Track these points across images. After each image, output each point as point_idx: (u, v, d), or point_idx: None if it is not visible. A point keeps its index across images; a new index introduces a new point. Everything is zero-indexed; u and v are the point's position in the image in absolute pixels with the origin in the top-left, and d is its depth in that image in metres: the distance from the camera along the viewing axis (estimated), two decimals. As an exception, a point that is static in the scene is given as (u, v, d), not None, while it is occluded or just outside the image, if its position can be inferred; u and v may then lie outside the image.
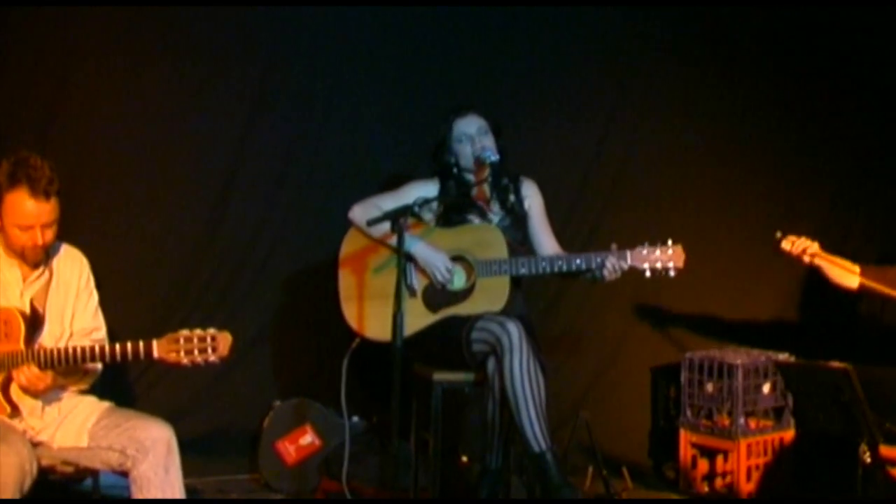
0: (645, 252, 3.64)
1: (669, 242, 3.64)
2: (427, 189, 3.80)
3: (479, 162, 3.76)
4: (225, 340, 2.91)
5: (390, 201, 3.70)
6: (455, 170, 3.83)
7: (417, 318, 3.67)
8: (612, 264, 3.61)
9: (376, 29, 4.53)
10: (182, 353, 2.92)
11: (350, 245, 3.79)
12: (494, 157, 3.74)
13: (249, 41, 4.38)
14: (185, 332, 2.93)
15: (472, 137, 3.79)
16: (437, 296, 3.70)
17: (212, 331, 2.93)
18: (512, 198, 3.86)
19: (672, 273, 3.64)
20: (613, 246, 3.65)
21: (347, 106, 4.54)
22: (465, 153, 3.81)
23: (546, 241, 3.88)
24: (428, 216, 3.87)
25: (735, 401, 4.21)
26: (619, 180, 4.89)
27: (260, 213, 4.49)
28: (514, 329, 3.50)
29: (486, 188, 3.85)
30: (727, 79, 4.97)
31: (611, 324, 4.84)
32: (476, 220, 3.82)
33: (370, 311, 3.68)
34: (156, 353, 2.94)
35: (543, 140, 4.73)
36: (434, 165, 3.89)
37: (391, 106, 4.58)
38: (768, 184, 4.99)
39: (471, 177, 3.85)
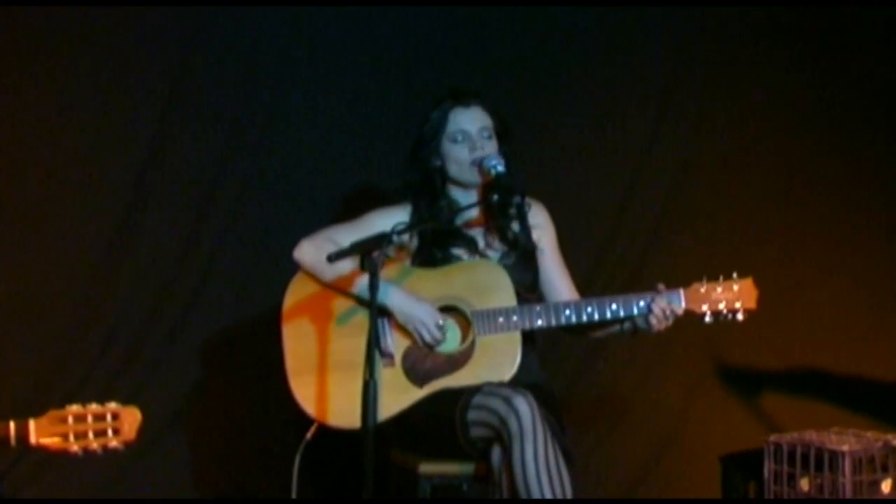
0: (703, 290, 3.61)
1: (735, 276, 3.63)
2: (395, 217, 3.70)
3: (484, 172, 3.70)
4: (131, 419, 2.83)
5: (349, 234, 3.64)
6: (439, 179, 3.77)
7: (397, 394, 3.61)
8: (662, 308, 3.57)
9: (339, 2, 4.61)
10: (71, 438, 2.81)
11: (297, 294, 3.73)
12: (502, 168, 3.67)
13: (162, 25, 4.45)
14: (75, 408, 2.82)
15: (472, 138, 3.74)
16: (422, 363, 3.64)
17: (113, 406, 2.83)
18: (515, 226, 3.80)
19: (740, 316, 3.62)
20: (660, 286, 3.62)
21: (297, 107, 4.59)
22: (460, 158, 3.73)
23: (562, 286, 3.83)
24: (401, 254, 3.80)
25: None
26: (673, 201, 4.88)
27: (176, 249, 4.48)
28: (524, 406, 3.42)
29: (486, 212, 3.78)
30: (821, 63, 5.01)
31: (665, 393, 4.81)
32: (465, 255, 3.76)
33: (331, 390, 3.63)
34: (33, 438, 2.82)
35: (567, 148, 4.73)
36: (410, 171, 3.81)
37: (357, 105, 4.62)
38: (888, 199, 5.03)
39: (458, 192, 3.79)
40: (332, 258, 3.44)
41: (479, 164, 3.70)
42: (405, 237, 3.73)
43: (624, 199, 4.86)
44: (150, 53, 4.44)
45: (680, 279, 3.68)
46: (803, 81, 5.04)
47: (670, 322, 3.60)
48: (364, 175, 4.59)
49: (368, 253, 3.35)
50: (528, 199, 3.83)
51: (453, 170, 3.76)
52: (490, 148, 3.73)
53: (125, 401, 2.88)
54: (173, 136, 4.47)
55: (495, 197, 3.67)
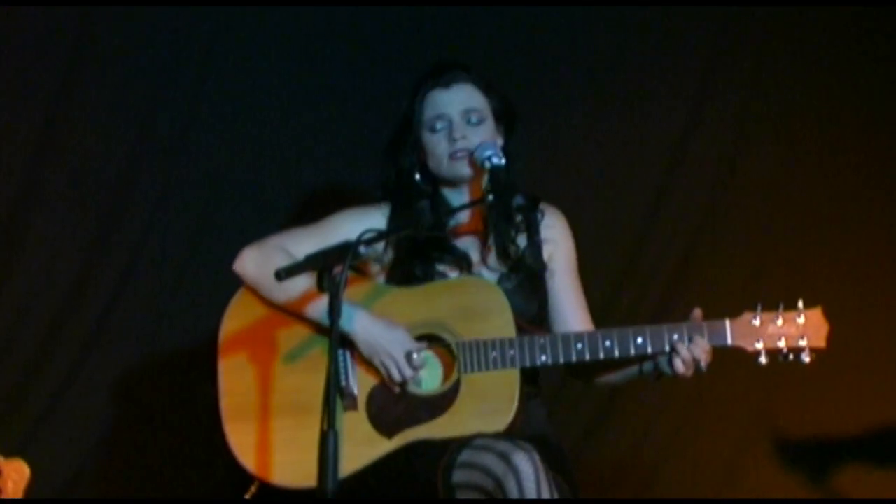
0: (758, 323, 3.52)
1: (800, 305, 3.52)
2: (367, 221, 3.65)
3: (476, 166, 3.62)
4: (17, 475, 3.03)
5: (307, 242, 3.60)
6: (417, 176, 3.71)
7: (359, 446, 3.53)
8: (698, 347, 3.48)
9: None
10: (-62, 500, 3.05)
11: (238, 318, 3.67)
12: (498, 159, 3.58)
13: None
14: (-52, 464, 2.86)
15: (452, 122, 3.66)
16: (392, 406, 3.57)
17: (-4, 460, 2.73)
18: (521, 241, 3.73)
19: (806, 357, 3.51)
20: (696, 312, 3.52)
21: (233, 85, 4.67)
22: (437, 151, 3.67)
23: (574, 316, 3.76)
24: (374, 268, 3.73)
25: None
26: (714, 207, 4.92)
27: (76, 264, 4.52)
28: (525, 464, 3.32)
29: (484, 216, 3.71)
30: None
31: (704, 453, 4.80)
32: (453, 273, 3.70)
33: (277, 439, 3.57)
34: None
35: (586, 145, 4.77)
36: (385, 169, 3.76)
37: (314, 89, 4.70)
38: None
39: (450, 193, 3.73)
40: (282, 275, 3.32)
41: (470, 157, 3.62)
42: (378, 248, 3.65)
43: (655, 204, 4.91)
44: (45, 22, 4.52)
45: (723, 303, 3.60)
46: (879, 66, 5.04)
47: (703, 363, 3.49)
48: (326, 171, 4.61)
49: (328, 269, 3.23)
50: (541, 206, 3.78)
51: (433, 166, 3.70)
52: (479, 136, 3.66)
53: (10, 452, 3.08)
54: (70, 125, 4.53)
55: (490, 197, 3.58)
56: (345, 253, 3.25)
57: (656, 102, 4.89)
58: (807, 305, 3.49)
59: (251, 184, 4.64)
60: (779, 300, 3.52)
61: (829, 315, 3.49)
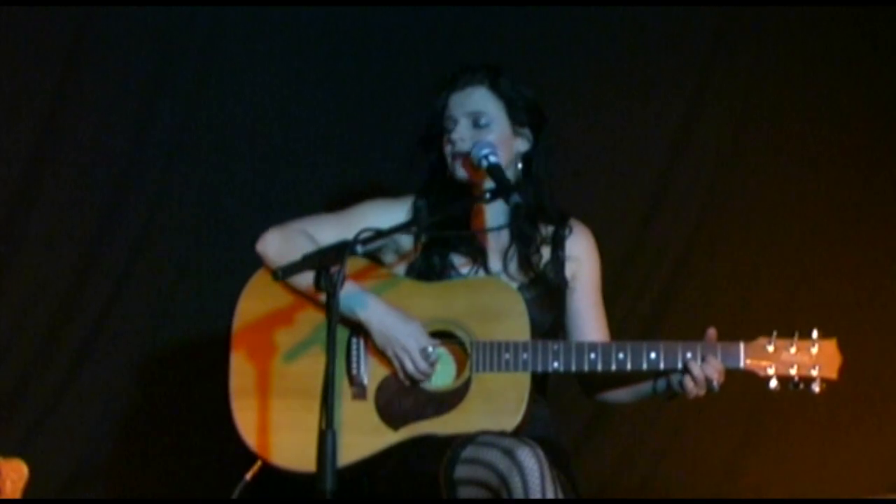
0: (771, 347, 3.54)
1: (815, 335, 3.54)
2: (393, 212, 3.70)
3: (472, 163, 3.64)
4: (15, 475, 3.03)
5: (331, 228, 3.63)
6: (441, 177, 3.73)
7: (365, 436, 3.55)
8: (711, 367, 3.52)
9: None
10: (-66, 500, 2.91)
11: (255, 298, 3.68)
12: (495, 158, 3.60)
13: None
14: (-56, 462, 2.91)
15: (457, 125, 3.70)
16: (401, 399, 3.59)
17: (-7, 458, 2.88)
18: (544, 254, 3.76)
19: (816, 387, 3.53)
20: (711, 332, 3.54)
21: (232, 84, 4.68)
22: (445, 151, 3.73)
23: (592, 332, 3.78)
24: (391, 258, 3.76)
25: None
26: (713, 204, 4.90)
27: (76, 266, 4.53)
28: (530, 460, 3.33)
29: (487, 214, 3.74)
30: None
31: (702, 454, 4.81)
32: (465, 269, 3.73)
33: (282, 420, 3.58)
34: None
35: (581, 140, 4.75)
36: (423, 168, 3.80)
37: (314, 87, 4.71)
38: None
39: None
40: (279, 275, 3.34)
41: (468, 156, 3.65)
42: (401, 240, 3.69)
43: (652, 203, 4.90)
44: (44, 22, 4.54)
45: (721, 301, 3.73)
46: (879, 62, 5.03)
47: (715, 385, 3.53)
48: (327, 170, 4.60)
49: (325, 267, 3.24)
50: (570, 222, 3.80)
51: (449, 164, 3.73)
52: (483, 139, 3.67)
53: (9, 451, 3.01)
54: (68, 124, 4.54)
55: (487, 195, 3.58)
56: (339, 253, 3.26)
57: (656, 100, 4.89)
58: (822, 336, 3.52)
59: (251, 183, 4.64)
60: (778, 297, 3.52)
61: (841, 347, 3.53)
